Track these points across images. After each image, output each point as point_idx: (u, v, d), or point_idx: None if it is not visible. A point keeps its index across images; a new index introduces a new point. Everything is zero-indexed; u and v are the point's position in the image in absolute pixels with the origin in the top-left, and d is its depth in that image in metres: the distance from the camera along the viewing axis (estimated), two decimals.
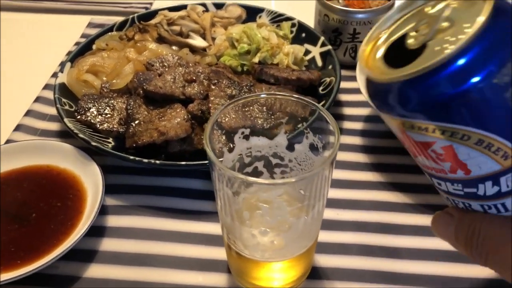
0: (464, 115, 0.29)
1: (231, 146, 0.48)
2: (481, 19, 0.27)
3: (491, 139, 0.29)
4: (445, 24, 0.30)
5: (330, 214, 0.58)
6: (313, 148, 0.47)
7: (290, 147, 0.48)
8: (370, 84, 0.32)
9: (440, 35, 0.30)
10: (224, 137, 0.47)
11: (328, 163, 0.38)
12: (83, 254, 0.54)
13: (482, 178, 0.31)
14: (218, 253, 0.54)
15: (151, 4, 1.04)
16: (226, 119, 0.49)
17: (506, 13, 0.28)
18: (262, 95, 0.47)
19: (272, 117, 0.52)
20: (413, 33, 0.31)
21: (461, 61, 0.27)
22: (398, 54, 0.31)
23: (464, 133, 0.29)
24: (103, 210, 0.59)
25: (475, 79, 0.27)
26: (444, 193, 0.35)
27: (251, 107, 0.53)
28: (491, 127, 0.29)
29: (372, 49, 0.33)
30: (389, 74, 0.30)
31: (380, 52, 0.32)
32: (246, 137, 0.48)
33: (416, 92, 0.29)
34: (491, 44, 0.27)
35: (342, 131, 0.70)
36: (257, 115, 0.56)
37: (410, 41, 0.31)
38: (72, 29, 0.95)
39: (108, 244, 0.56)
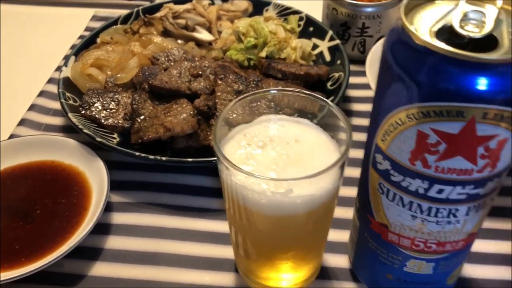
0: None
1: None
2: None
3: None
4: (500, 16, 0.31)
5: (339, 212, 0.57)
6: None
7: None
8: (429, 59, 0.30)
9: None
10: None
11: (341, 161, 0.37)
12: (88, 252, 0.53)
13: None
14: (225, 252, 0.54)
15: None
16: (234, 115, 0.48)
17: None
18: (272, 91, 0.46)
19: (280, 112, 0.51)
20: (464, 18, 0.31)
21: None
22: (454, 35, 0.31)
23: None
24: (108, 207, 0.58)
25: None
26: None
27: (258, 103, 0.52)
28: None
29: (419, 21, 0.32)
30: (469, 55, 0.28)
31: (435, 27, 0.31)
32: None
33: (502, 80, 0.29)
34: None
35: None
36: (264, 111, 0.55)
37: (469, 27, 0.31)
38: (76, 22, 0.94)
39: (113, 242, 0.55)
